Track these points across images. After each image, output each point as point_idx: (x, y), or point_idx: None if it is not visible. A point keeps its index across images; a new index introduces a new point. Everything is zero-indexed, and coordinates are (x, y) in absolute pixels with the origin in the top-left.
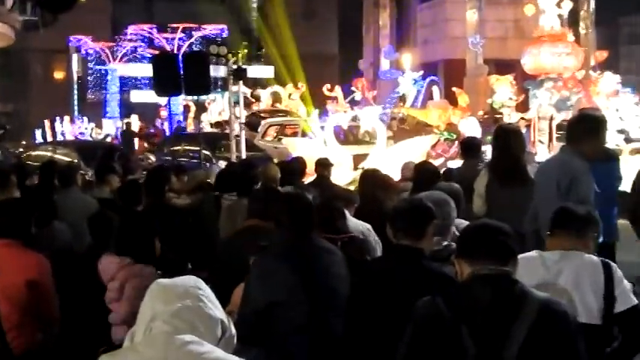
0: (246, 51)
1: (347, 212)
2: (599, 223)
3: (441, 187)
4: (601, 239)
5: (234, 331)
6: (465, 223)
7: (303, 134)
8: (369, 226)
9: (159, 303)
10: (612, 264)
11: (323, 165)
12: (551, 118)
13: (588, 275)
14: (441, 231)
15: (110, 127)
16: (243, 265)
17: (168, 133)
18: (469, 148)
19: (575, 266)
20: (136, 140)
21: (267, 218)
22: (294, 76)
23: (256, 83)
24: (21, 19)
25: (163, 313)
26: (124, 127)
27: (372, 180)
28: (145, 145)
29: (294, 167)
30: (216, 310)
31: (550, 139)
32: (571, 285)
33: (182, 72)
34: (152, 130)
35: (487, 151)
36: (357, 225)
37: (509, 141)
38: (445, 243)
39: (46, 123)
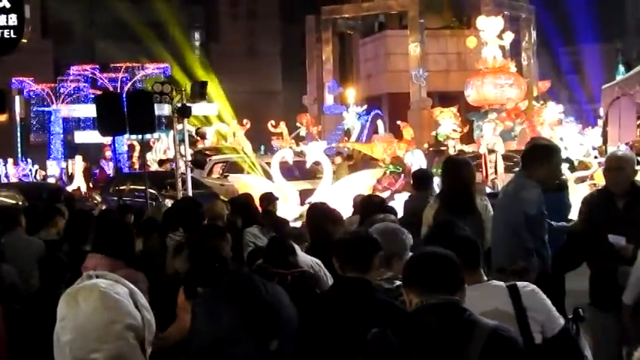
0: (189, 89)
1: (297, 248)
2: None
3: (376, 219)
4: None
5: None
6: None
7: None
8: (318, 260)
9: None
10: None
11: (267, 199)
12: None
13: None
14: (389, 262)
15: (54, 169)
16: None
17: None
18: (420, 179)
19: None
20: (81, 180)
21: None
22: (238, 113)
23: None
24: None
25: None
26: None
27: (319, 213)
28: (90, 185)
29: (244, 202)
30: None
31: (495, 171)
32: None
33: (126, 111)
34: (96, 171)
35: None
36: (306, 260)
37: (459, 172)
38: (397, 283)
39: None
